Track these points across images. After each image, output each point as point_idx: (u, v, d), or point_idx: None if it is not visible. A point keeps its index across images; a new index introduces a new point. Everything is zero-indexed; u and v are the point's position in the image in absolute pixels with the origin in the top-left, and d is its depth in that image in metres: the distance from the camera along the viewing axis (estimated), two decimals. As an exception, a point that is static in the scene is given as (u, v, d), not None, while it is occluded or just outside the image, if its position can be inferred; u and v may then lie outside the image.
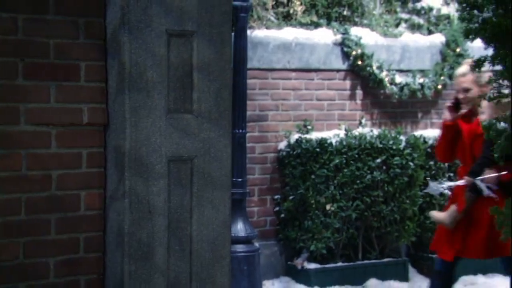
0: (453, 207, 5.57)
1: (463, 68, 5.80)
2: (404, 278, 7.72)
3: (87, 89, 3.56)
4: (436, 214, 5.85)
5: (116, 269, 3.55)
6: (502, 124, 4.68)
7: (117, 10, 3.52)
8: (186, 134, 3.60)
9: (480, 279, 7.97)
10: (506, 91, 4.59)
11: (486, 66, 4.62)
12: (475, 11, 4.58)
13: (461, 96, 5.65)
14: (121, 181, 3.52)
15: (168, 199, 3.58)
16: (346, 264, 7.57)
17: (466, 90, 5.64)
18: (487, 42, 4.53)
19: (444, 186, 5.57)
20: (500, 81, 4.59)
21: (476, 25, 4.60)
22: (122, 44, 3.50)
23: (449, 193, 5.97)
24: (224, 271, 3.71)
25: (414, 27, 9.04)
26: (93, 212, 3.59)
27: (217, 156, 3.67)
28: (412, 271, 7.87)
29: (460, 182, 5.48)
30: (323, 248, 7.33)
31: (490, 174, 5.32)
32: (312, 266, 7.40)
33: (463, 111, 5.69)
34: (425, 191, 5.55)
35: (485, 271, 8.02)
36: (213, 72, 3.66)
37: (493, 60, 4.59)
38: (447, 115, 5.72)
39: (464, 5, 4.62)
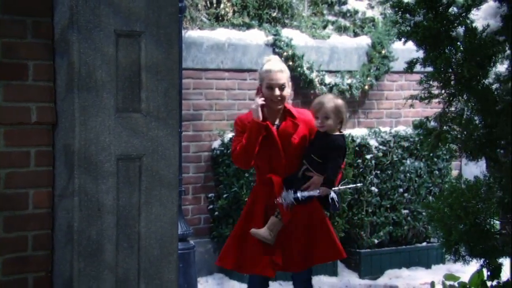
0: (274, 220, 4.97)
1: (278, 63, 5.17)
2: (333, 273, 7.83)
3: (35, 88, 3.52)
4: (256, 231, 4.94)
5: (65, 266, 3.53)
6: (432, 123, 4.83)
7: (66, 10, 3.50)
8: (135, 133, 3.61)
9: (404, 272, 8.16)
10: (436, 91, 4.73)
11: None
12: (407, 15, 4.71)
13: (277, 92, 4.98)
14: (70, 180, 3.50)
15: (117, 197, 3.58)
16: (278, 259, 7.63)
17: (282, 87, 5.02)
18: (419, 44, 4.65)
19: (297, 195, 4.92)
20: (431, 82, 4.73)
21: (408, 28, 4.72)
22: (71, 44, 3.48)
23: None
24: (171, 267, 3.73)
25: (341, 29, 9.18)
26: (42, 210, 3.56)
27: (165, 155, 3.69)
28: (340, 266, 7.99)
29: (314, 193, 5.00)
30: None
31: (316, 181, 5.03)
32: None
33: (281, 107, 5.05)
34: (277, 200, 4.87)
35: (408, 264, 8.22)
36: (161, 72, 3.67)
37: (424, 62, 4.73)
38: (255, 112, 4.93)
39: (397, 9, 4.74)
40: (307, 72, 8.10)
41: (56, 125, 3.56)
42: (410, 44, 9.24)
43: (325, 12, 9.45)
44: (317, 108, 5.09)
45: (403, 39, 4.73)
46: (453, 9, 4.69)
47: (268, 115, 5.01)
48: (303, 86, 8.14)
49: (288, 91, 5.07)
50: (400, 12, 4.69)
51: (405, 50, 8.73)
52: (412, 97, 5.57)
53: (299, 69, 8.04)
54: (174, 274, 3.72)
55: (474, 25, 4.48)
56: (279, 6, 8.59)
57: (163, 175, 3.69)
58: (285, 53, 8.00)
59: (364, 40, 8.85)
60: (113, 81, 3.55)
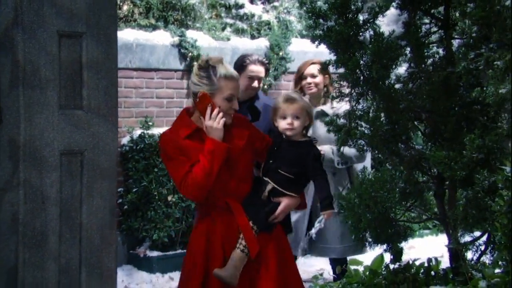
0: (239, 255, 3.89)
1: (230, 67, 4.04)
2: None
3: (-20, 86, 3.53)
4: (219, 273, 3.86)
5: (9, 257, 3.56)
6: (342, 120, 5.06)
7: (10, 11, 3.52)
8: (77, 128, 3.67)
9: (300, 260, 8.39)
10: (347, 91, 4.97)
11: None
12: (321, 20, 4.92)
13: (236, 105, 3.97)
14: (15, 174, 3.53)
15: (60, 189, 3.63)
16: (185, 251, 7.73)
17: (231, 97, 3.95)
18: (331, 47, 4.87)
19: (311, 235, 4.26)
20: (342, 83, 4.96)
21: (321, 32, 4.94)
22: (15, 43, 3.51)
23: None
24: (111, 257, 3.80)
25: (239, 32, 9.38)
26: (-14, 203, 3.57)
27: (105, 149, 3.76)
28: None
29: (321, 224, 4.25)
30: (164, 236, 7.49)
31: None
32: (154, 253, 7.53)
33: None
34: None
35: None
36: (101, 71, 3.74)
37: (336, 63, 4.95)
38: (217, 132, 3.86)
39: (310, 14, 4.95)
40: (213, 72, 8.24)
41: (0, 121, 3.57)
42: (304, 46, 9.56)
43: (223, 15, 9.63)
44: (286, 105, 4.08)
45: (316, 42, 4.93)
46: (361, 16, 4.95)
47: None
48: (208, 85, 8.28)
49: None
50: (314, 17, 4.90)
51: (300, 52, 9.04)
52: (325, 95, 5.83)
53: (203, 69, 8.17)
54: (113, 263, 3.80)
55: (381, 30, 4.75)
56: (182, 8, 8.70)
57: (103, 169, 3.76)
58: (190, 54, 8.12)
59: (263, 42, 9.07)
60: (56, 79, 3.60)
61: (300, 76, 5.97)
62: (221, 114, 3.84)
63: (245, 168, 4.01)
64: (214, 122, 3.83)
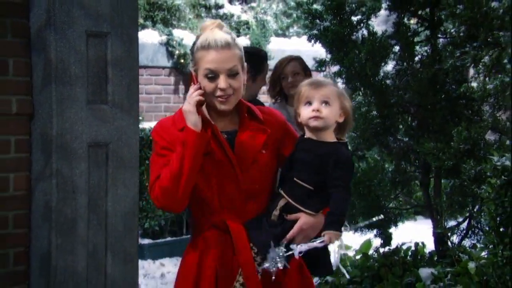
0: None
1: (222, 34, 2.71)
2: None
3: (15, 83, 3.63)
4: None
5: (42, 243, 3.67)
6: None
7: (42, 13, 3.63)
8: (103, 122, 3.78)
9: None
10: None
11: None
12: (317, 20, 5.09)
13: (223, 84, 2.69)
14: (47, 165, 3.64)
15: (88, 179, 3.74)
16: (174, 238, 7.88)
17: (232, 72, 2.75)
18: (327, 46, 5.05)
19: (292, 252, 2.65)
20: (336, 80, 5.14)
21: (317, 32, 5.12)
22: (48, 43, 3.61)
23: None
24: (133, 242, 3.92)
25: (219, 31, 9.51)
26: (21, 192, 3.68)
27: (128, 142, 3.88)
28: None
29: (318, 244, 2.67)
30: (155, 225, 7.60)
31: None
32: (146, 241, 7.63)
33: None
34: (260, 268, 2.69)
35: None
36: (124, 68, 3.86)
37: (331, 61, 5.13)
38: (189, 116, 2.67)
39: (307, 14, 5.12)
40: (197, 69, 8.37)
41: (33, 116, 3.68)
42: (282, 45, 9.71)
43: (203, 15, 9.76)
44: (311, 88, 2.82)
45: (312, 41, 5.11)
46: (354, 16, 5.14)
47: (214, 119, 2.78)
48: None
49: (241, 79, 2.74)
50: (310, 18, 5.08)
51: (278, 50, 9.21)
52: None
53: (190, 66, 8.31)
54: (135, 248, 3.93)
55: (374, 30, 4.95)
56: (168, 8, 8.81)
57: (126, 160, 3.88)
58: (177, 52, 8.24)
59: (244, 41, 9.22)
60: (85, 76, 3.72)
61: (278, 76, 4.79)
62: (195, 93, 2.65)
63: (259, 180, 2.78)
64: (188, 104, 2.65)
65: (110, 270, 3.85)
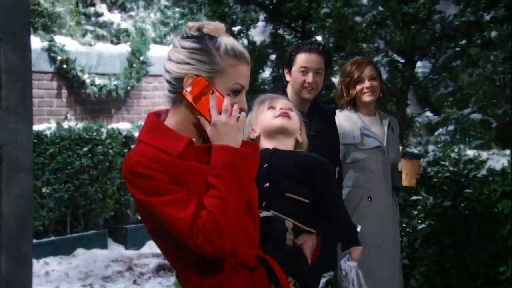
0: None
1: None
2: (105, 246, 8.10)
3: None
4: None
5: None
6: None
7: None
8: (-3, 126, 3.70)
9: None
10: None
11: None
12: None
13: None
14: None
15: (-17, 181, 3.65)
16: (57, 238, 7.75)
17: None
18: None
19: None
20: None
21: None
22: None
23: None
24: (28, 242, 3.85)
25: (99, 38, 9.42)
26: None
27: (22, 144, 3.81)
28: (109, 240, 8.26)
29: (354, 263, 2.52)
30: (39, 225, 7.44)
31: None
32: (30, 241, 7.45)
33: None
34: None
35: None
36: (17, 73, 3.78)
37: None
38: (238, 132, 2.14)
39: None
40: (79, 74, 8.26)
41: None
42: (162, 52, 9.75)
43: (83, 22, 9.63)
44: (270, 98, 2.65)
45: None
46: (234, 27, 5.26)
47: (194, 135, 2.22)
48: (77, 86, 8.30)
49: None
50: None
51: (158, 57, 9.23)
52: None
53: (72, 71, 8.19)
54: (30, 247, 3.86)
55: (253, 39, 5.09)
56: (49, 15, 8.63)
57: (20, 162, 3.80)
58: (59, 57, 8.10)
59: (125, 48, 9.19)
60: (-22, 81, 3.63)
61: (356, 79, 4.08)
62: (237, 106, 2.13)
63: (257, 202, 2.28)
64: (230, 117, 2.11)
65: (5, 270, 3.76)
